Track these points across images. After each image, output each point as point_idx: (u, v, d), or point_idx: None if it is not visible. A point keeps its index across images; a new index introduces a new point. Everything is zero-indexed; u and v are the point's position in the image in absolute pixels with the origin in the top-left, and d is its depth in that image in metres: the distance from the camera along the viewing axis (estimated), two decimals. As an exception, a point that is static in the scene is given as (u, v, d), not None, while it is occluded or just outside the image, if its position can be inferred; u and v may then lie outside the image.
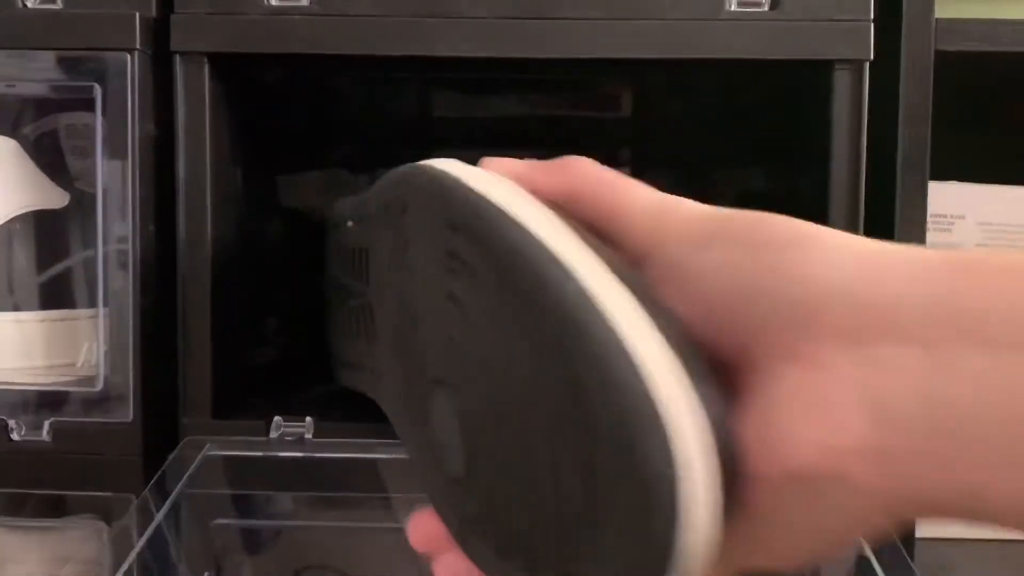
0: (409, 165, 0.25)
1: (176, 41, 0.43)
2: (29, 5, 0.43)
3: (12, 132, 0.48)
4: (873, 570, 0.33)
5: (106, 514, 0.43)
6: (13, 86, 0.47)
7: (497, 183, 0.23)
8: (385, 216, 0.27)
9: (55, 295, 0.48)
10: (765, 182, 0.55)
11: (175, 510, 0.38)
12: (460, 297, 0.22)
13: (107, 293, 0.44)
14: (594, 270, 0.20)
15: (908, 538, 0.45)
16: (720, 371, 0.20)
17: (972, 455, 0.19)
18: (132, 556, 0.34)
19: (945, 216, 0.49)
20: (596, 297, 0.19)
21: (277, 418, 0.44)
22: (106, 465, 0.44)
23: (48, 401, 0.45)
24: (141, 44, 0.43)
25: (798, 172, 0.48)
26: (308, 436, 0.44)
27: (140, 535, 0.35)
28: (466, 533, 0.24)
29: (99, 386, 0.45)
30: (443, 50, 0.43)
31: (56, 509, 0.45)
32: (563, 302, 0.19)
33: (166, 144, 0.44)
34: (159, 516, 0.36)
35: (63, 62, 0.44)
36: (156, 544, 0.36)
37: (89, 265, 0.47)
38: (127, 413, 0.44)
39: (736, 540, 0.21)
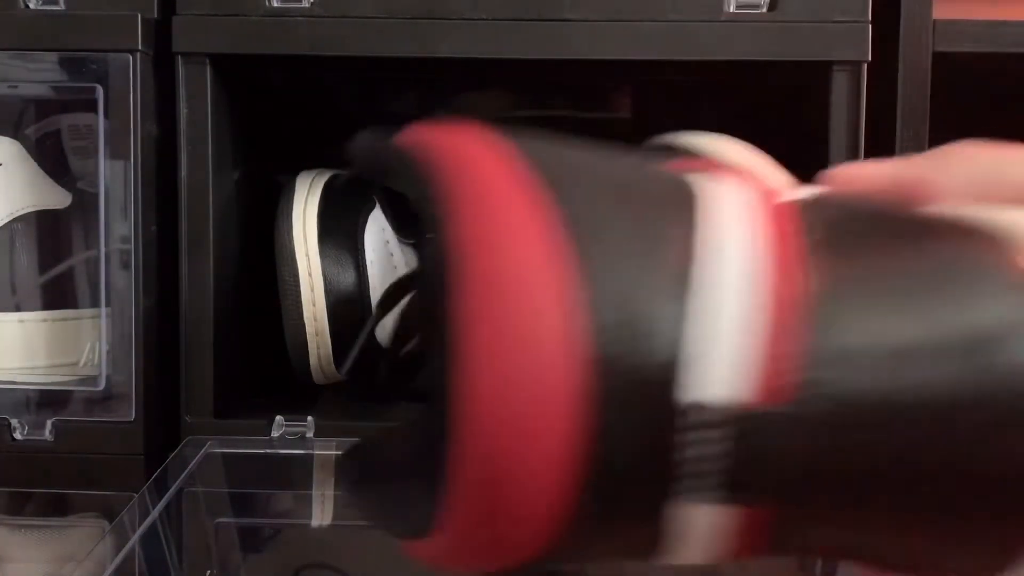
0: None
1: (178, 42, 0.43)
2: (31, 6, 0.43)
3: (14, 133, 0.48)
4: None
5: (108, 513, 0.43)
6: (16, 87, 0.47)
7: None
8: None
9: (57, 295, 0.48)
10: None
11: (175, 508, 0.38)
12: None
13: (109, 293, 0.45)
14: None
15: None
16: None
17: None
18: (125, 550, 0.34)
19: (943, 216, 0.49)
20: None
21: (279, 417, 0.44)
22: (108, 464, 0.44)
23: (50, 400, 0.45)
24: (143, 45, 0.43)
25: (797, 172, 0.48)
26: (309, 435, 0.44)
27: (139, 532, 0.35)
28: None
29: (101, 385, 0.45)
30: (444, 51, 0.43)
31: (58, 508, 0.45)
32: None
33: (168, 145, 0.44)
34: (155, 512, 0.37)
35: (65, 63, 0.44)
36: (152, 540, 0.36)
37: (91, 265, 0.48)
38: (129, 412, 0.44)
39: None
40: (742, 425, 0.17)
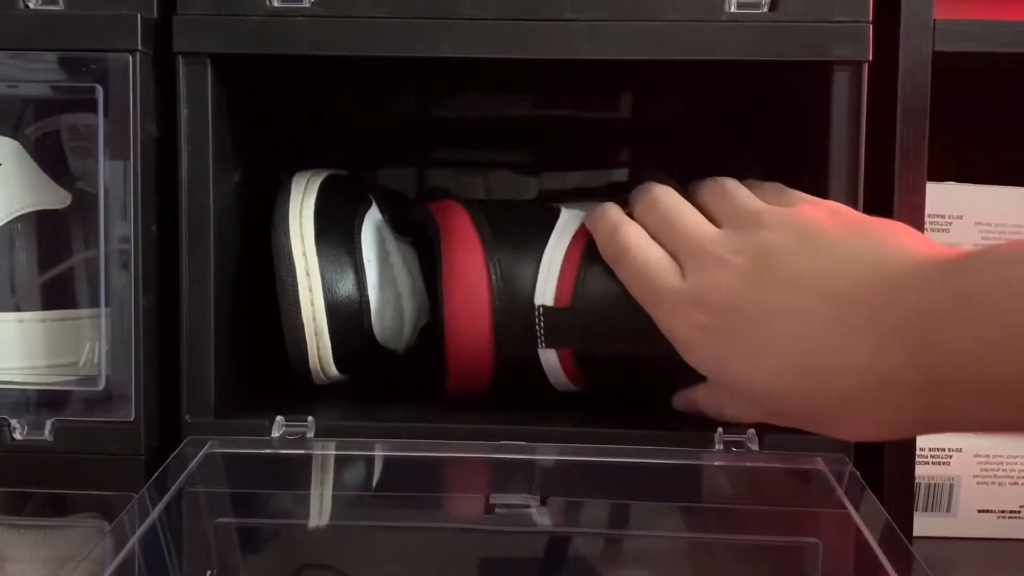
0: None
1: (178, 42, 0.43)
2: (31, 6, 0.43)
3: (14, 133, 0.48)
4: (879, 561, 0.34)
5: (108, 514, 0.43)
6: (15, 87, 0.47)
7: None
8: None
9: (57, 295, 0.48)
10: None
11: (175, 508, 0.38)
12: None
13: (109, 293, 0.45)
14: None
15: (907, 537, 0.45)
16: None
17: None
18: (124, 551, 0.34)
19: (943, 216, 0.49)
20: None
21: (279, 417, 0.44)
22: (108, 464, 0.44)
23: (50, 400, 0.45)
24: (143, 45, 0.43)
25: (797, 173, 0.48)
26: (310, 435, 0.44)
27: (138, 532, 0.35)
28: None
29: (101, 385, 0.45)
30: (445, 51, 0.43)
31: (58, 508, 0.45)
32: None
33: (168, 145, 0.44)
34: (155, 512, 0.37)
35: (65, 63, 0.44)
36: (151, 540, 0.36)
37: (91, 265, 0.47)
38: (129, 412, 0.44)
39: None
40: (552, 313, 0.44)
